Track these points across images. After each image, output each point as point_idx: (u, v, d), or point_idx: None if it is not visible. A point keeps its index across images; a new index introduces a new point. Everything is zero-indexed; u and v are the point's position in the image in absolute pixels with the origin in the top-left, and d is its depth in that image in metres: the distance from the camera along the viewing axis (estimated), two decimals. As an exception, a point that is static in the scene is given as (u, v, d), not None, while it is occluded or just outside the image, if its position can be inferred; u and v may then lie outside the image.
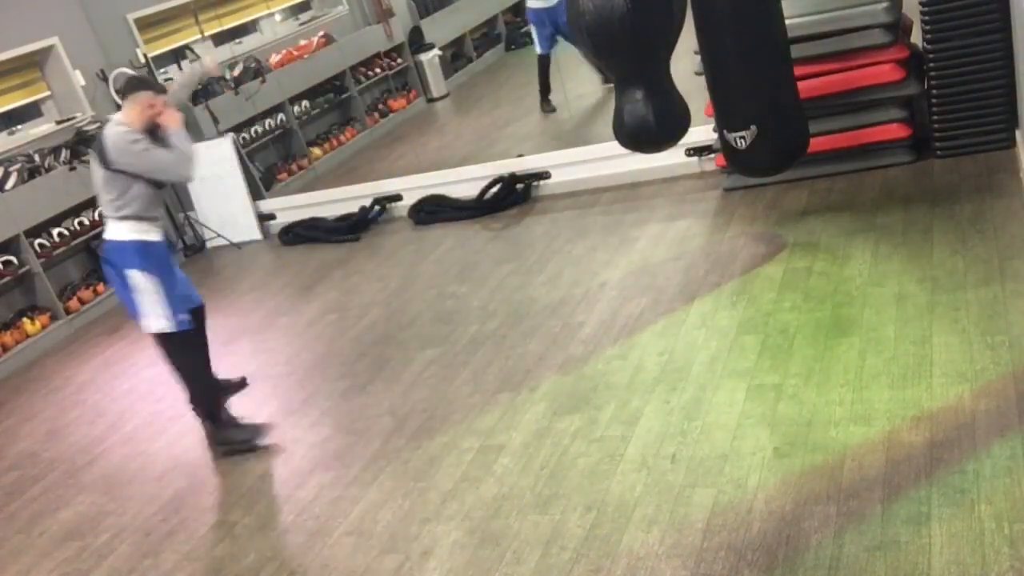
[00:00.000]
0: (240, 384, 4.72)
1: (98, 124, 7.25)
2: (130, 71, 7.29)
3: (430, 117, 10.07)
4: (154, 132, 4.01)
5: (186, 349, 4.17)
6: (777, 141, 4.38)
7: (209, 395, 4.29)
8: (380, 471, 3.70)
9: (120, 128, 3.95)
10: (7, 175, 6.59)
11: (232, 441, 4.22)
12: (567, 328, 4.39)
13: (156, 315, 4.03)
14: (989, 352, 3.26)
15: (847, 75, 4.91)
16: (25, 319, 6.46)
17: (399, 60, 10.35)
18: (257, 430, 4.23)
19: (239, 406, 4.66)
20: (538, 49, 8.29)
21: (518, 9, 11.69)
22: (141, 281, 4.00)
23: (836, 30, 4.85)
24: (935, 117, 4.89)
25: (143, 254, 4.00)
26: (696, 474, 3.10)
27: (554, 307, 4.65)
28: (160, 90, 4.10)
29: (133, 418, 4.90)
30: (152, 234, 4.06)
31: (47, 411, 5.35)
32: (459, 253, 5.81)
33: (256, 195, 7.65)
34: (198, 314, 4.24)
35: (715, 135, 5.25)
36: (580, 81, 8.19)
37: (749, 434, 3.22)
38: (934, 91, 4.84)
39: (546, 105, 8.28)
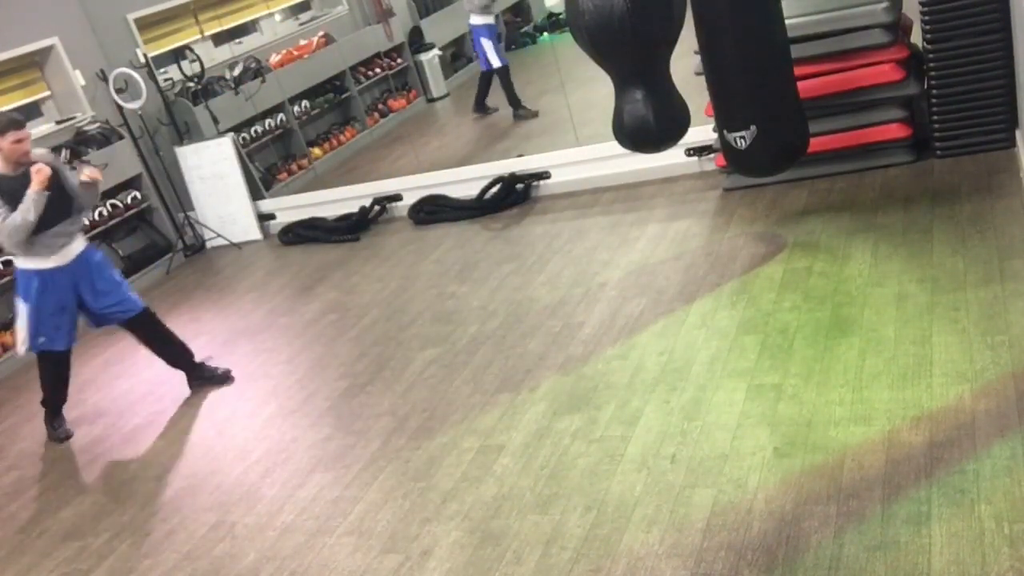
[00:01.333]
0: (224, 376, 4.96)
1: (98, 124, 7.26)
2: (132, 71, 7.29)
3: (430, 117, 10.07)
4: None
5: (48, 368, 4.80)
6: (777, 141, 4.38)
7: (54, 404, 4.93)
8: (380, 471, 3.70)
9: None
10: (7, 175, 6.58)
11: (49, 434, 4.93)
12: (567, 328, 4.39)
13: (20, 339, 4.65)
14: (989, 352, 3.26)
15: (847, 75, 4.91)
16: (25, 319, 6.45)
17: (399, 60, 10.35)
18: (63, 434, 4.87)
19: (238, 406, 4.67)
20: (499, 62, 8.34)
21: (518, 9, 11.69)
22: (17, 305, 4.59)
23: (836, 30, 4.86)
24: (935, 117, 4.89)
25: (27, 282, 4.52)
26: (696, 474, 3.10)
27: (554, 307, 4.65)
28: (20, 126, 4.36)
29: (133, 418, 4.90)
30: (37, 261, 4.47)
31: (47, 411, 5.35)
32: (459, 253, 5.81)
33: (256, 195, 7.66)
34: (133, 322, 4.80)
35: (715, 135, 5.25)
36: (580, 81, 8.18)
37: (749, 434, 3.22)
38: (934, 91, 4.84)
39: (527, 111, 8.37)
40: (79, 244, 4.62)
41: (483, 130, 8.68)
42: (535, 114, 8.23)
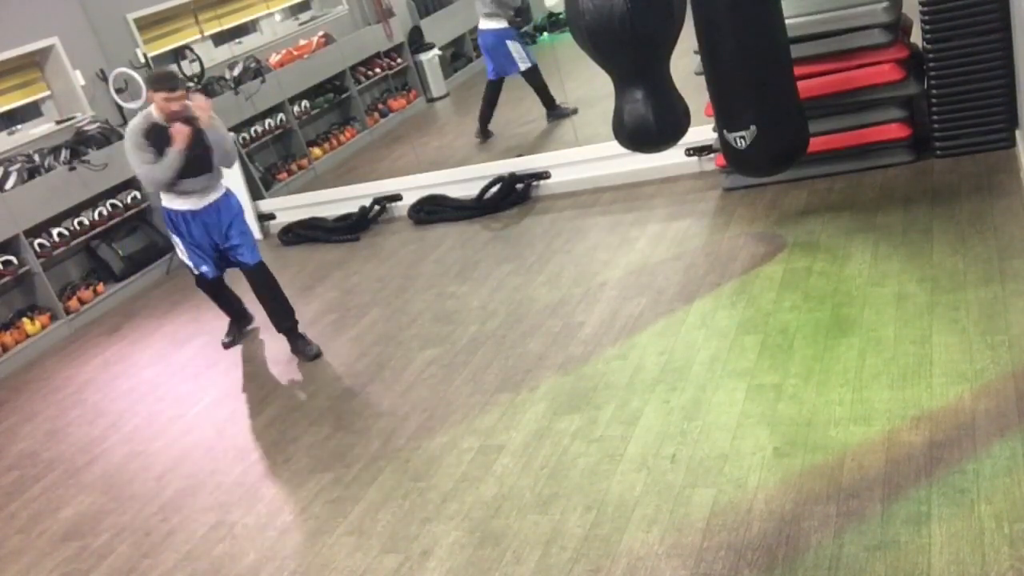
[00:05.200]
0: (315, 355, 5.03)
1: (98, 124, 7.26)
2: (132, 71, 7.30)
3: (430, 117, 10.07)
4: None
5: (206, 292, 5.41)
6: (777, 141, 4.38)
7: (230, 316, 5.54)
8: (380, 471, 3.70)
9: (137, 120, 4.70)
10: (7, 175, 6.59)
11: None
12: (567, 328, 4.39)
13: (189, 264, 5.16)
14: (989, 352, 3.26)
15: (847, 75, 4.91)
16: (25, 319, 6.46)
17: (399, 60, 10.35)
18: (227, 340, 5.48)
19: (238, 406, 4.67)
20: (530, 62, 7.89)
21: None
22: (172, 238, 5.12)
23: (836, 30, 4.85)
24: (935, 117, 4.89)
25: (168, 218, 5.01)
26: (696, 474, 3.10)
27: (554, 307, 4.65)
28: (173, 87, 4.60)
29: (133, 418, 4.90)
30: (175, 203, 4.92)
31: (47, 411, 5.35)
32: (459, 253, 5.81)
33: (256, 195, 7.66)
34: (248, 272, 5.06)
35: (715, 135, 5.25)
36: (580, 80, 8.19)
37: (749, 434, 3.22)
38: (934, 91, 4.84)
39: (564, 109, 7.97)
40: (216, 193, 4.96)
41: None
42: (574, 111, 7.84)
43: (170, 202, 4.93)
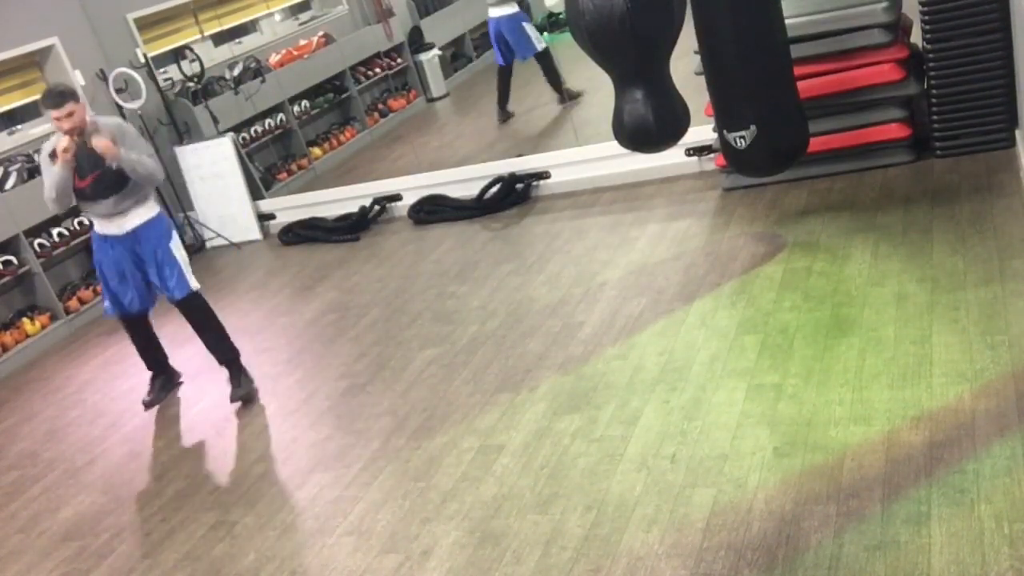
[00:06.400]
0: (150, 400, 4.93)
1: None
2: (132, 71, 7.30)
3: (430, 117, 10.07)
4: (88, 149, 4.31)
5: (127, 330, 4.96)
6: (777, 141, 4.38)
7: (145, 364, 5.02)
8: (380, 471, 3.70)
9: (52, 139, 4.41)
10: (7, 175, 6.59)
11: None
12: (567, 328, 4.39)
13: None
14: (989, 352, 3.26)
15: (847, 75, 4.91)
16: (25, 319, 6.46)
17: (399, 60, 10.35)
18: (145, 400, 4.92)
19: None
20: (543, 43, 8.21)
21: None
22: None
23: (836, 30, 4.86)
24: (935, 117, 4.89)
25: (94, 243, 4.72)
26: (696, 474, 3.10)
27: (554, 307, 4.65)
28: (56, 104, 4.21)
29: (133, 418, 4.90)
30: (98, 226, 4.63)
31: (47, 411, 5.36)
32: (459, 253, 5.81)
33: (256, 195, 7.65)
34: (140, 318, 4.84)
35: (715, 135, 5.25)
36: (580, 80, 8.19)
37: (749, 434, 3.22)
38: (934, 91, 4.84)
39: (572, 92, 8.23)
40: (139, 216, 4.55)
41: (483, 130, 8.67)
42: (580, 93, 8.14)
43: (97, 226, 4.60)
